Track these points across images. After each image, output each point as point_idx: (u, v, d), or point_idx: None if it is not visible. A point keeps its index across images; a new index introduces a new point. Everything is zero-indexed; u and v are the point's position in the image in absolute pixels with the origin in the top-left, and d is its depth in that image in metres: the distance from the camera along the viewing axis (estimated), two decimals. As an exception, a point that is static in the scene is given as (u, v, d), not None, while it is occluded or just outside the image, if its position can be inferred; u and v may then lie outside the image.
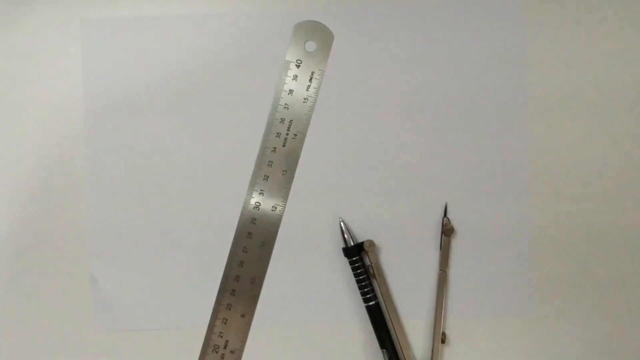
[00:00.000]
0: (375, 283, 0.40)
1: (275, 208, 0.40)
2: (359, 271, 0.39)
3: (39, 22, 0.40)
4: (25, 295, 0.40)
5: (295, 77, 0.40)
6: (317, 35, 0.40)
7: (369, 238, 0.40)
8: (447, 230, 0.40)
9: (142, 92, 0.40)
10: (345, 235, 0.40)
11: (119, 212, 0.40)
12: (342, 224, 0.40)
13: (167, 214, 0.40)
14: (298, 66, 0.40)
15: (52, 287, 0.40)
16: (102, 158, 0.40)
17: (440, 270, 0.40)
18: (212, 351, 0.39)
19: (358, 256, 0.39)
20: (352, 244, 0.39)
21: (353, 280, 0.40)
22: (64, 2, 0.40)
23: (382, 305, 0.40)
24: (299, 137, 0.40)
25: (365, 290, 0.39)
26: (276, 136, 0.40)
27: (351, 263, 0.39)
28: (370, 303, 0.39)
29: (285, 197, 0.40)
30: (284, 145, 0.40)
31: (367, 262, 0.40)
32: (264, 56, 0.40)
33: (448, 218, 0.40)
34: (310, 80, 0.40)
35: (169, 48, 0.40)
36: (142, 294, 0.40)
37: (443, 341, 0.40)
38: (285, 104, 0.40)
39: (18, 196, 0.40)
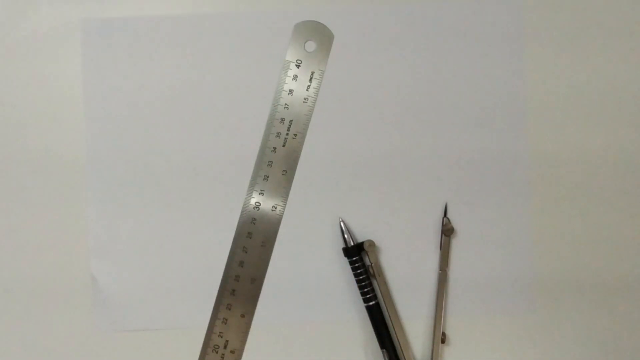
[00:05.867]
0: (375, 283, 0.40)
1: (275, 208, 0.40)
2: (359, 271, 0.39)
3: (39, 22, 0.40)
4: (25, 295, 0.40)
5: (295, 77, 0.40)
6: (317, 35, 0.40)
7: (369, 238, 0.40)
8: (447, 230, 0.40)
9: (142, 92, 0.40)
10: (345, 235, 0.39)
11: (118, 211, 0.40)
12: (342, 224, 0.40)
13: (167, 213, 0.40)
14: (298, 66, 0.40)
15: (52, 287, 0.40)
16: (102, 158, 0.40)
17: (440, 270, 0.40)
18: (212, 351, 0.39)
19: (358, 256, 0.39)
20: (352, 244, 0.39)
21: (353, 280, 0.40)
22: (64, 3, 0.40)
23: (382, 305, 0.40)
24: (299, 137, 0.40)
25: (365, 290, 0.39)
26: (276, 136, 0.40)
27: (351, 263, 0.39)
28: (371, 303, 0.39)
29: (285, 197, 0.40)
30: (284, 145, 0.40)
31: (367, 262, 0.40)
32: (264, 56, 0.40)
33: (448, 218, 0.40)
34: (310, 80, 0.40)
35: (168, 48, 0.40)
36: (142, 294, 0.40)
37: (443, 341, 0.40)
38: (285, 104, 0.40)
39: (18, 196, 0.40)
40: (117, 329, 0.40)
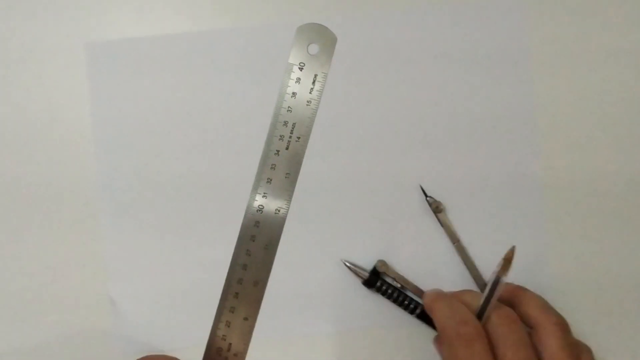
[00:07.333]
0: (408, 292, 0.40)
1: (279, 211, 0.40)
2: (389, 292, 0.39)
3: (44, 49, 0.40)
4: (42, 316, 0.40)
5: (298, 80, 0.40)
6: (320, 38, 0.40)
7: (378, 248, 0.40)
8: (436, 208, 0.39)
9: (149, 108, 0.40)
10: (357, 270, 0.39)
11: (119, 211, 0.40)
12: (346, 264, 0.40)
13: (172, 217, 0.40)
14: (301, 69, 0.40)
15: (70, 309, 0.40)
16: (113, 172, 0.40)
17: (453, 243, 0.40)
18: (216, 354, 0.39)
19: (380, 280, 0.39)
20: (367, 276, 0.39)
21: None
22: (68, 29, 0.40)
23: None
24: (302, 140, 0.40)
25: (406, 303, 0.39)
26: (279, 139, 0.40)
27: (377, 290, 0.39)
28: (417, 311, 0.39)
29: (288, 200, 0.40)
30: (287, 148, 0.40)
31: (389, 279, 0.39)
32: (267, 59, 0.40)
33: (431, 197, 0.39)
34: (314, 83, 0.40)
35: (172, 65, 0.40)
36: (145, 301, 0.40)
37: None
38: (289, 106, 0.40)
39: (30, 222, 0.40)
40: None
